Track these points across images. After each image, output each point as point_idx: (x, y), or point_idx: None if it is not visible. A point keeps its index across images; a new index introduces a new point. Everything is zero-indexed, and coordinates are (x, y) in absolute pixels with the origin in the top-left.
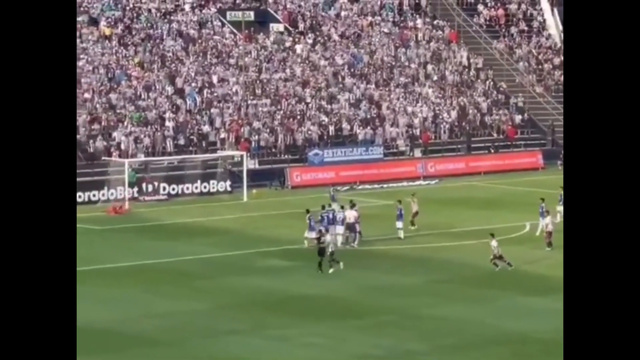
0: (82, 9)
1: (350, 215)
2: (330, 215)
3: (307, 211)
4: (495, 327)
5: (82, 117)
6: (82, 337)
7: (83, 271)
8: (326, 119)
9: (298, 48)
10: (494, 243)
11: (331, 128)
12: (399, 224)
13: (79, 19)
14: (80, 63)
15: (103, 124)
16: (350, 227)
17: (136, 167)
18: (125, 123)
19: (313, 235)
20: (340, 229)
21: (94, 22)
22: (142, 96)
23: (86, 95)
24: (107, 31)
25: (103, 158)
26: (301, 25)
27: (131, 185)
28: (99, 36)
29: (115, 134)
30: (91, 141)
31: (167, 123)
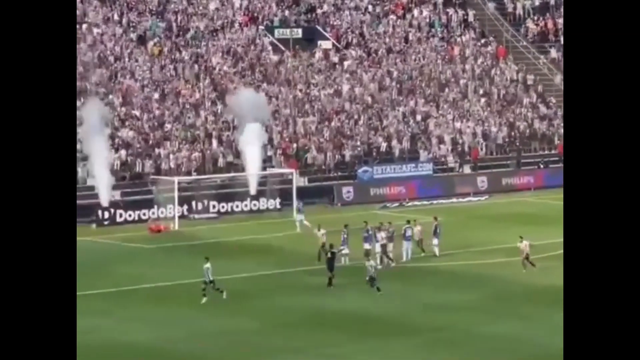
0: (130, 27)
1: (416, 231)
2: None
3: (345, 226)
4: (549, 346)
5: (130, 135)
6: (131, 356)
7: (132, 290)
8: (375, 136)
9: (346, 64)
10: (523, 244)
11: (380, 144)
12: (435, 241)
13: (130, 36)
14: (128, 81)
15: (151, 142)
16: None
17: (164, 188)
18: (174, 141)
19: (346, 250)
20: (407, 245)
21: (142, 40)
22: (190, 114)
23: (135, 112)
24: (155, 50)
25: (152, 176)
26: (349, 42)
27: (159, 205)
28: (147, 54)
29: (163, 152)
30: (139, 159)
31: (214, 140)
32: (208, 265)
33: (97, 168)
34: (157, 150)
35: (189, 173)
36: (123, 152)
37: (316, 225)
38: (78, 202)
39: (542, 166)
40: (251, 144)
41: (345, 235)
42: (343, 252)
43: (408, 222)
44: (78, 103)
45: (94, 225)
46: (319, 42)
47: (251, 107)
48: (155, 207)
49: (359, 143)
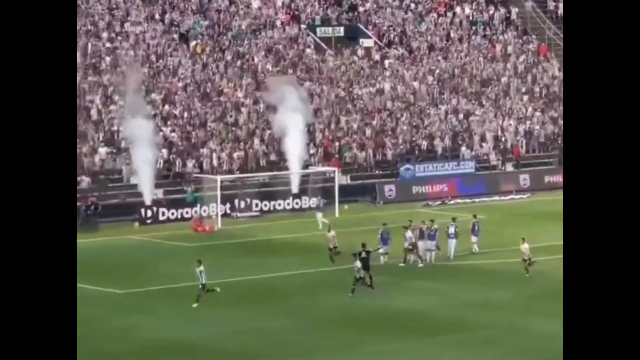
0: (173, 27)
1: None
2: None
3: (384, 224)
4: None
5: (174, 134)
6: (174, 353)
7: (174, 288)
8: (417, 134)
9: (387, 62)
10: (524, 246)
11: (422, 142)
12: (474, 239)
13: (172, 35)
14: (171, 80)
15: (193, 140)
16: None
17: (195, 187)
18: (216, 140)
19: (386, 249)
20: (451, 242)
21: (185, 39)
22: (232, 112)
23: (176, 112)
24: (198, 48)
25: (194, 175)
26: (391, 40)
27: (190, 205)
28: (189, 53)
29: (205, 151)
30: (179, 159)
31: (256, 139)
32: (201, 268)
33: (141, 167)
34: (199, 150)
35: (231, 172)
36: (165, 151)
37: (327, 226)
38: (121, 200)
39: None
40: (294, 143)
41: (385, 235)
42: (380, 251)
43: (453, 219)
44: (122, 102)
45: (136, 224)
46: (361, 41)
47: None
48: (198, 205)
49: (400, 141)
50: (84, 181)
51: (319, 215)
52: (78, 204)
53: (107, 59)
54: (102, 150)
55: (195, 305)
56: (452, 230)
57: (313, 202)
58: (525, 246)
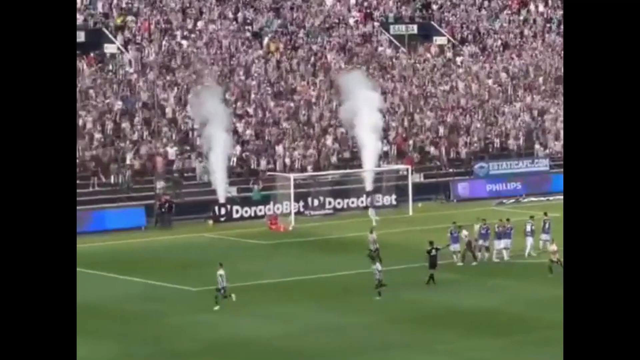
0: (246, 26)
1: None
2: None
3: (453, 223)
4: None
5: (248, 133)
6: (249, 350)
7: (249, 286)
8: (491, 131)
9: (460, 60)
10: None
11: (496, 140)
12: (545, 237)
13: (246, 35)
14: (244, 78)
15: (267, 138)
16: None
17: (262, 185)
18: (289, 138)
19: (457, 247)
20: (529, 240)
21: (258, 37)
22: (305, 110)
23: (249, 110)
24: (272, 46)
25: (268, 173)
26: (464, 38)
27: (256, 203)
28: (262, 51)
29: (279, 149)
30: (253, 157)
31: (329, 137)
32: (222, 272)
33: (215, 164)
34: (273, 147)
35: (304, 170)
36: (239, 149)
37: (369, 228)
38: (195, 198)
39: None
40: (367, 140)
41: (455, 233)
42: (450, 249)
43: (531, 217)
44: (196, 100)
45: (210, 222)
46: (434, 38)
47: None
48: (272, 203)
49: (475, 139)
50: (159, 179)
51: (372, 212)
52: (152, 202)
53: (181, 57)
54: (175, 149)
55: (216, 308)
56: (529, 228)
57: (387, 200)
58: (553, 247)
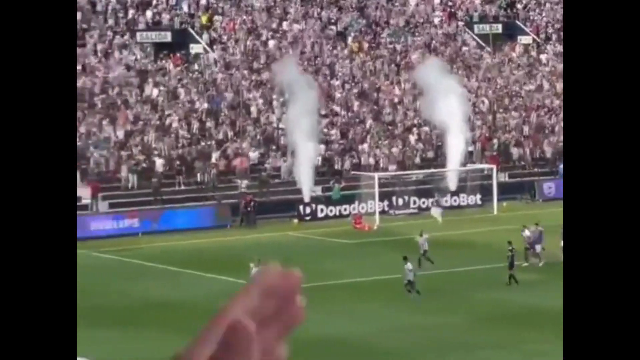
0: (330, 25)
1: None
2: None
3: (536, 224)
4: None
5: (333, 132)
6: (333, 349)
7: (333, 285)
8: None
9: (545, 59)
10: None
11: None
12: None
13: (328, 32)
14: (329, 78)
15: (351, 137)
16: None
17: (343, 184)
18: (374, 137)
19: (538, 248)
20: None
21: (342, 36)
22: (389, 110)
23: (336, 108)
24: (355, 46)
25: (353, 172)
26: (549, 37)
27: (336, 202)
28: (347, 51)
29: (363, 148)
30: (338, 156)
31: (412, 136)
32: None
33: (300, 164)
34: (357, 146)
35: (388, 169)
36: (324, 148)
37: (420, 230)
38: (280, 197)
39: None
40: (451, 140)
41: (536, 234)
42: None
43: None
44: (281, 99)
45: (295, 221)
46: (519, 37)
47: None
48: (356, 202)
49: (560, 138)
50: (242, 178)
51: (437, 211)
52: (237, 201)
53: (266, 57)
54: (254, 149)
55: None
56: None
57: (472, 199)
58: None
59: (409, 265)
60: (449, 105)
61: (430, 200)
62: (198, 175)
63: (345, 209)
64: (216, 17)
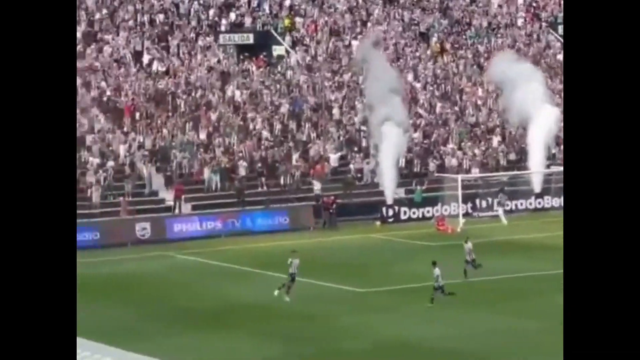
0: (413, 26)
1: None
2: None
3: None
4: None
5: (416, 134)
6: (411, 353)
7: (415, 287)
8: None
9: None
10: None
11: None
12: None
13: (409, 33)
14: (409, 79)
15: (434, 138)
16: None
17: (426, 186)
18: (456, 139)
19: None
20: None
21: (425, 37)
22: (473, 111)
23: (420, 111)
24: (437, 47)
25: (436, 174)
26: None
27: (419, 204)
28: (429, 52)
29: (446, 150)
30: (421, 158)
31: (496, 138)
32: (294, 260)
33: (384, 166)
34: (440, 148)
35: (471, 171)
36: (405, 149)
37: (465, 237)
38: (364, 199)
39: None
40: (536, 142)
41: None
42: None
43: None
44: (364, 101)
45: (378, 223)
46: None
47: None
48: (439, 204)
49: None
50: (318, 181)
51: (501, 211)
52: (319, 203)
53: (348, 58)
54: (341, 150)
55: (287, 299)
56: None
57: (556, 202)
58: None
59: (437, 271)
60: (530, 100)
61: (514, 202)
62: (281, 177)
63: (428, 211)
64: (298, 19)
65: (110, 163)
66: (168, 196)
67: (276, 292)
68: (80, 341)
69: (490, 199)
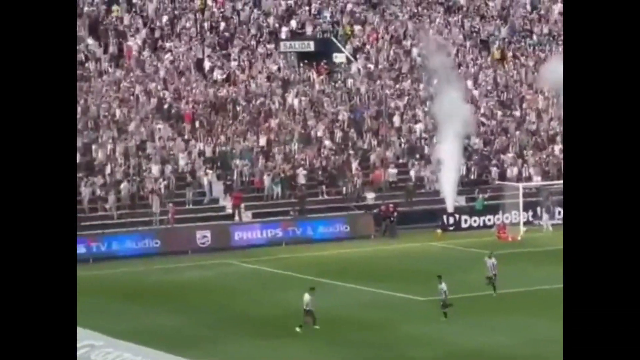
0: (473, 34)
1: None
2: None
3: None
4: None
5: (477, 142)
6: None
7: (476, 296)
8: None
9: None
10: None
11: None
12: None
13: (470, 42)
14: (469, 86)
15: (495, 146)
16: None
17: (488, 195)
18: (517, 147)
19: None
20: None
21: (485, 45)
22: (534, 119)
23: (482, 119)
24: (497, 54)
25: (497, 182)
26: None
27: (480, 212)
28: (490, 59)
29: (507, 158)
30: (481, 166)
31: (557, 146)
32: (308, 297)
33: (445, 174)
34: (500, 156)
35: (532, 179)
36: (466, 157)
37: (489, 252)
38: (425, 207)
39: None
40: None
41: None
42: None
43: None
44: (425, 109)
45: (439, 231)
46: None
47: None
48: (500, 212)
49: None
50: (375, 190)
51: (546, 218)
52: (378, 211)
53: (409, 66)
54: (402, 158)
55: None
56: None
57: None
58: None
59: (443, 286)
60: None
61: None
62: (341, 185)
63: (489, 220)
64: (359, 27)
65: (171, 170)
66: (228, 204)
67: (298, 329)
68: (139, 348)
69: (551, 207)
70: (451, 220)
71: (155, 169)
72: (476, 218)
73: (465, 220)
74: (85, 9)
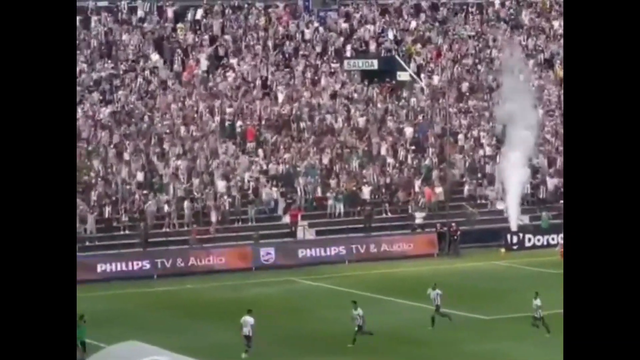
0: (537, 53)
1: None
2: None
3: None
4: None
5: (540, 160)
6: None
7: (546, 316)
8: None
9: None
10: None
11: None
12: None
13: (534, 61)
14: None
15: (559, 165)
16: None
17: (551, 213)
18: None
19: None
20: None
21: (549, 64)
22: None
23: (524, 133)
24: (561, 73)
25: (562, 201)
26: None
27: (545, 231)
28: (554, 78)
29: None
30: (544, 184)
31: None
32: (358, 311)
33: (509, 192)
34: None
35: None
36: (531, 175)
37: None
38: (488, 225)
39: None
40: None
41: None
42: None
43: None
44: (489, 127)
45: (502, 250)
46: None
47: None
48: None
49: None
50: (426, 210)
51: None
52: (442, 229)
53: (470, 85)
54: (466, 177)
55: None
56: None
57: None
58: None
59: (359, 311)
60: None
61: None
62: (406, 204)
63: (553, 239)
64: (421, 46)
65: (233, 186)
66: (288, 221)
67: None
68: None
69: None
70: (515, 239)
71: (220, 185)
72: (540, 237)
73: (529, 239)
74: (151, 26)
